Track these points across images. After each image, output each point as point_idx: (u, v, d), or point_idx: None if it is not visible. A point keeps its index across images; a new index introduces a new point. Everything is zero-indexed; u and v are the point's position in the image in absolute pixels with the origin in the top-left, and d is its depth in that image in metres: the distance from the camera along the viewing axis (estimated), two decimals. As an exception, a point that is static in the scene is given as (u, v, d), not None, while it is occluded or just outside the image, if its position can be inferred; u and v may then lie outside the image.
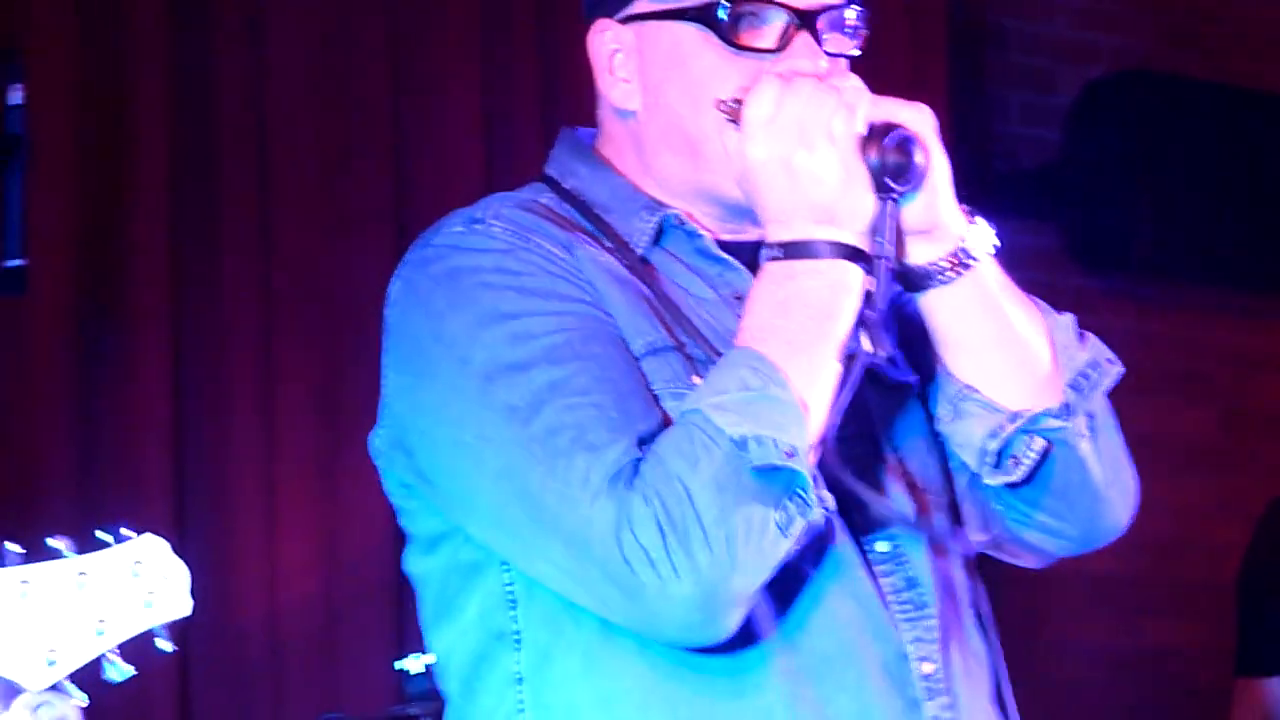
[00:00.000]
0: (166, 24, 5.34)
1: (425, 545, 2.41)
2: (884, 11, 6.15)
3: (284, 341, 5.40)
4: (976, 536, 2.49)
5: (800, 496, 2.11)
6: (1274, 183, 7.13)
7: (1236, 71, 7.21)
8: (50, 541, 1.91)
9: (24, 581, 1.87)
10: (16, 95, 3.68)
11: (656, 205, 2.41)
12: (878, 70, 6.22)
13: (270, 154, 5.43)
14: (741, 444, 2.08)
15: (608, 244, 2.39)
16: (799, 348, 2.19)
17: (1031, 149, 6.79)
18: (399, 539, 2.55)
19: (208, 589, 4.65)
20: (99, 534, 2.08)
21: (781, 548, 2.13)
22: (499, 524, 2.31)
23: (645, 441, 2.17)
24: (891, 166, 2.15)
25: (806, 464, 2.11)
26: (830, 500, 2.16)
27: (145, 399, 5.16)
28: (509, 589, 2.33)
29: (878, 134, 2.16)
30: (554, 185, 2.48)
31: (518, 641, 2.34)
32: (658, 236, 2.41)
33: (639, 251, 2.39)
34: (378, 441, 2.39)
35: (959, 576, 2.44)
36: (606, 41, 2.41)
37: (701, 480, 2.11)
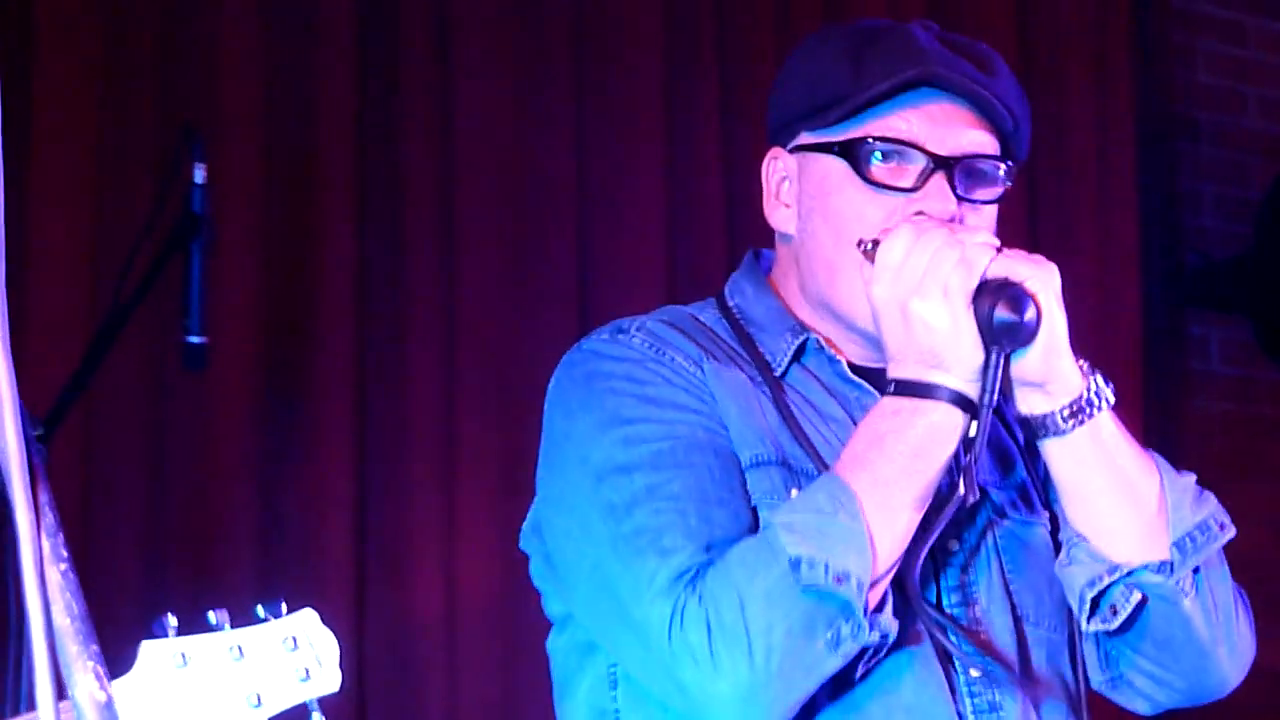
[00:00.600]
0: (353, 105, 5.38)
1: (556, 626, 2.60)
2: (1072, 106, 6.24)
3: (466, 421, 5.36)
4: (1095, 675, 2.59)
5: (854, 623, 2.23)
6: None
7: None
8: (210, 615, 1.97)
9: (183, 654, 1.90)
10: (200, 174, 3.76)
11: (801, 328, 2.55)
12: (1067, 166, 6.14)
13: (457, 235, 5.45)
14: (795, 564, 2.20)
15: (748, 361, 2.53)
16: (883, 481, 2.29)
17: (1224, 242, 6.69)
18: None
19: (390, 666, 5.10)
20: (259, 609, 2.13)
21: (829, 664, 2.26)
22: (592, 611, 2.48)
23: (715, 548, 2.30)
24: (1000, 322, 2.25)
25: (857, 590, 2.22)
26: (894, 627, 2.29)
27: (328, 475, 5.17)
28: (611, 670, 2.47)
29: (991, 290, 2.25)
30: (721, 302, 2.66)
31: (578, 664, 2.56)
32: (798, 356, 2.54)
33: (777, 372, 2.52)
34: (526, 527, 2.61)
35: (1055, 708, 2.55)
36: (777, 169, 2.58)
37: (755, 591, 2.24)
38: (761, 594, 2.26)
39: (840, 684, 2.41)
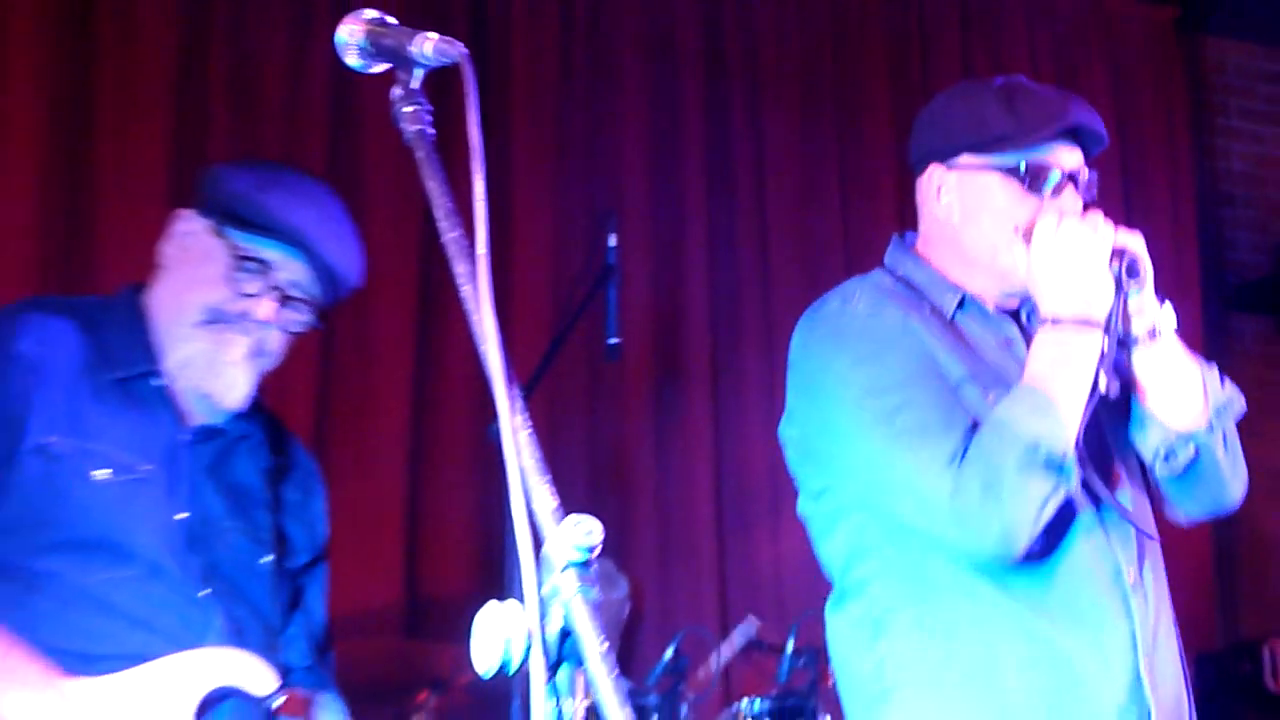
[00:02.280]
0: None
1: (811, 495, 2.95)
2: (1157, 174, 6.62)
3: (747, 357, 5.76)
4: (1165, 502, 2.98)
5: (1066, 476, 2.61)
6: None
7: None
8: None
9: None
10: (612, 240, 4.32)
11: (957, 288, 2.92)
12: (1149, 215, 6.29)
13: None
14: (1034, 444, 2.59)
15: (926, 311, 2.87)
16: (1062, 388, 2.65)
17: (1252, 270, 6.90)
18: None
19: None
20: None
21: (1053, 506, 2.62)
22: (872, 489, 2.80)
23: (963, 437, 2.66)
24: (1126, 275, 2.66)
25: (1071, 458, 2.60)
26: (1075, 476, 2.64)
27: (697, 445, 5.69)
28: (859, 522, 2.85)
29: (1116, 254, 2.66)
30: (890, 272, 3.01)
31: (858, 536, 2.86)
32: (960, 306, 2.90)
33: (948, 316, 2.89)
34: (786, 432, 2.96)
35: (1147, 523, 2.90)
36: (936, 179, 2.92)
37: (1008, 464, 2.60)
38: (1014, 465, 2.61)
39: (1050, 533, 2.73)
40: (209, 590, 2.46)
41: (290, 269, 2.53)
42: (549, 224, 5.57)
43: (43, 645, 2.30)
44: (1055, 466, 2.60)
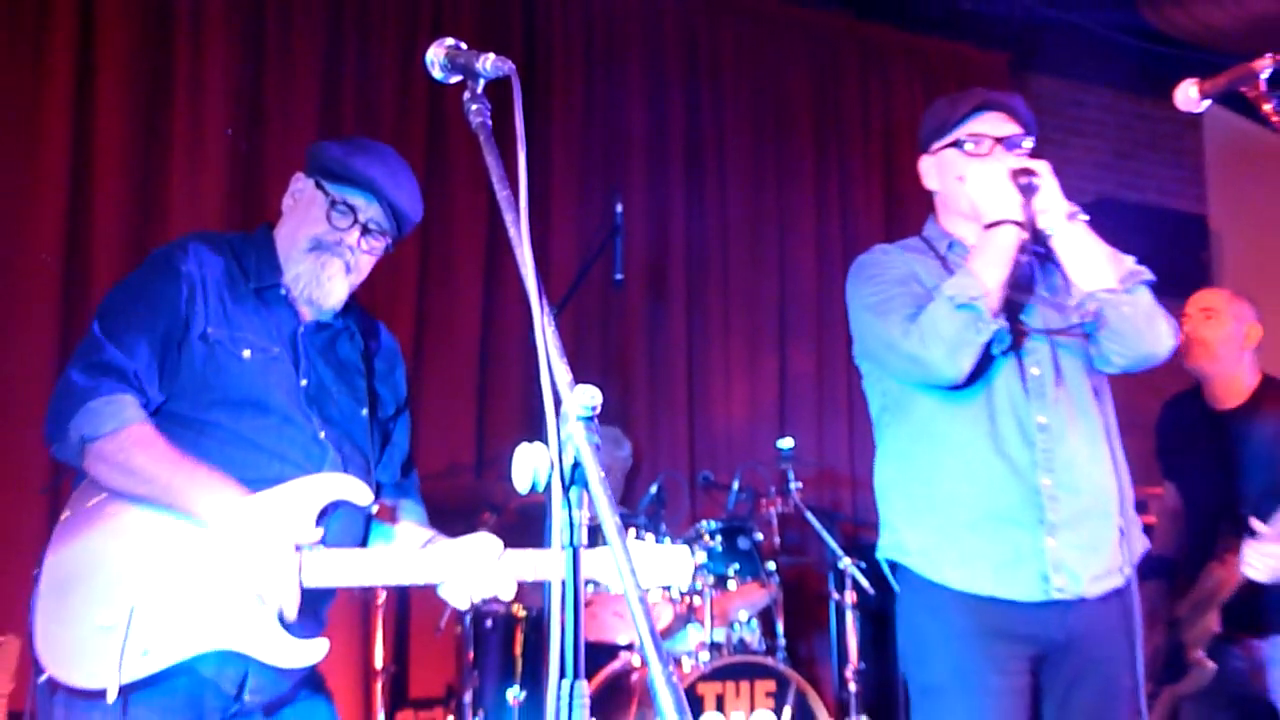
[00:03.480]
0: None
1: (864, 374, 2.98)
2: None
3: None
4: (1092, 349, 2.79)
5: (978, 313, 2.61)
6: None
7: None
8: None
9: None
10: (619, 207, 4.23)
11: (947, 235, 2.93)
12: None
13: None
14: (954, 295, 2.63)
15: (935, 255, 2.90)
16: (986, 261, 2.67)
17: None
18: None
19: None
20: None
21: (978, 342, 2.63)
22: (872, 349, 2.87)
23: (919, 309, 2.69)
24: (1024, 185, 2.68)
25: (980, 300, 2.61)
26: (1001, 322, 2.65)
27: (675, 348, 5.66)
28: (884, 392, 2.92)
29: (1020, 173, 2.69)
30: (920, 236, 2.99)
31: (885, 397, 2.92)
32: (948, 248, 2.89)
33: (944, 254, 2.89)
34: (855, 347, 2.95)
35: (1081, 379, 2.80)
36: (925, 166, 2.95)
37: (939, 312, 2.65)
38: (941, 313, 2.66)
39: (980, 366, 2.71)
40: (324, 433, 2.45)
41: (370, 210, 2.49)
42: (575, 195, 5.51)
43: None
44: (968, 308, 2.60)
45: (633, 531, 4.29)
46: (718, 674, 4.17)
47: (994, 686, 2.63)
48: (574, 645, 1.44)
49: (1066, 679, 2.69)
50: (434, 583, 2.38)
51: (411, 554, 2.41)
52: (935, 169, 2.92)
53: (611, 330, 5.49)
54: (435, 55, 1.88)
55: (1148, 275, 2.75)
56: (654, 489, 4.59)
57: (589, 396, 1.54)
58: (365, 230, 2.51)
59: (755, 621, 4.54)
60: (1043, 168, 2.69)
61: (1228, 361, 3.92)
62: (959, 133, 2.84)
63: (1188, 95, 2.54)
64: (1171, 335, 2.75)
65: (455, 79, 1.89)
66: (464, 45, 1.88)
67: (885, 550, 2.85)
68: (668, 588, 4.36)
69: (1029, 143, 2.84)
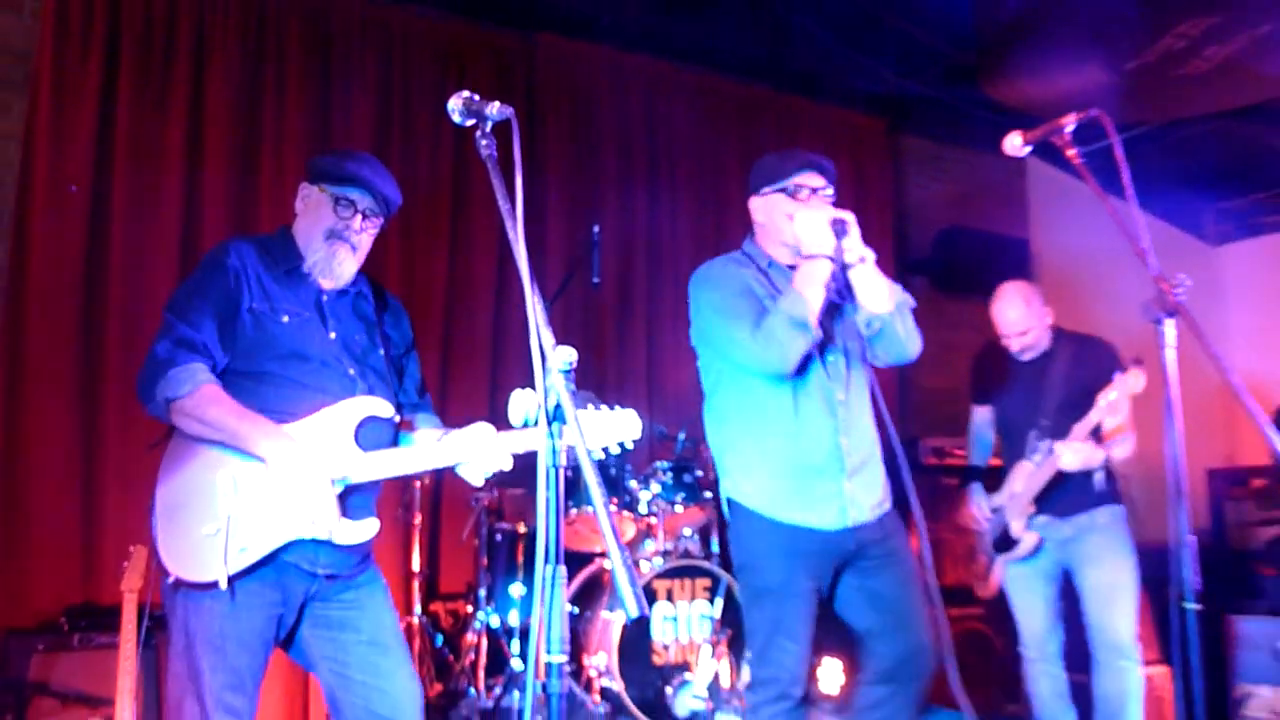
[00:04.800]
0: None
1: (702, 355, 2.93)
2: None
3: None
4: (869, 356, 2.87)
5: (805, 329, 2.62)
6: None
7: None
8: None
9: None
10: (596, 228, 4.25)
11: (767, 256, 2.88)
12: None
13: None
14: (787, 313, 2.63)
15: (757, 269, 2.86)
16: (808, 286, 2.65)
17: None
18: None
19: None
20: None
21: (804, 348, 2.64)
22: (720, 346, 2.79)
23: (759, 319, 2.66)
24: (838, 230, 2.67)
25: (810, 317, 2.62)
26: (818, 333, 2.67)
27: (639, 333, 5.57)
28: (721, 372, 2.86)
29: (835, 222, 2.68)
30: (743, 252, 2.93)
31: (720, 375, 2.87)
32: (769, 266, 2.85)
33: (765, 269, 2.85)
34: (693, 335, 2.91)
35: (861, 367, 2.86)
36: (754, 205, 2.89)
37: (775, 324, 2.64)
38: (777, 325, 2.63)
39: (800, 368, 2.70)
40: (353, 370, 2.45)
41: (364, 201, 2.46)
42: (564, 216, 5.40)
43: (270, 410, 2.29)
44: (798, 325, 2.61)
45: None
46: (668, 574, 4.19)
47: (804, 589, 2.71)
48: (555, 540, 1.45)
49: (865, 571, 2.76)
50: (451, 464, 2.37)
51: (430, 447, 2.40)
52: (764, 207, 2.86)
53: (590, 319, 5.39)
54: (455, 105, 1.88)
55: (912, 302, 2.81)
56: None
57: (567, 355, 1.55)
58: (364, 216, 2.47)
59: (696, 535, 4.53)
60: (850, 218, 2.68)
61: (1033, 329, 3.91)
62: (787, 183, 2.80)
63: (1013, 143, 2.59)
64: (919, 345, 2.81)
65: (470, 122, 1.88)
66: (477, 96, 1.87)
67: (725, 491, 2.85)
68: (629, 495, 4.37)
69: (830, 191, 2.81)
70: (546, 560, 1.45)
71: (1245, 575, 5.31)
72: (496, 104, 1.83)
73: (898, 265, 6.41)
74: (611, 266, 5.37)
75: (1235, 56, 4.83)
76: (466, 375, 5.00)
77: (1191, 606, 2.15)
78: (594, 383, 5.29)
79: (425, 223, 4.94)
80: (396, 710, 2.30)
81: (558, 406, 1.50)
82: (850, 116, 6.39)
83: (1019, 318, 3.87)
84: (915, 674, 2.71)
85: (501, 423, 2.16)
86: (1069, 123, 2.45)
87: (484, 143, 1.82)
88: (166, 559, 2.19)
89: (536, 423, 1.52)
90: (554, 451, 1.48)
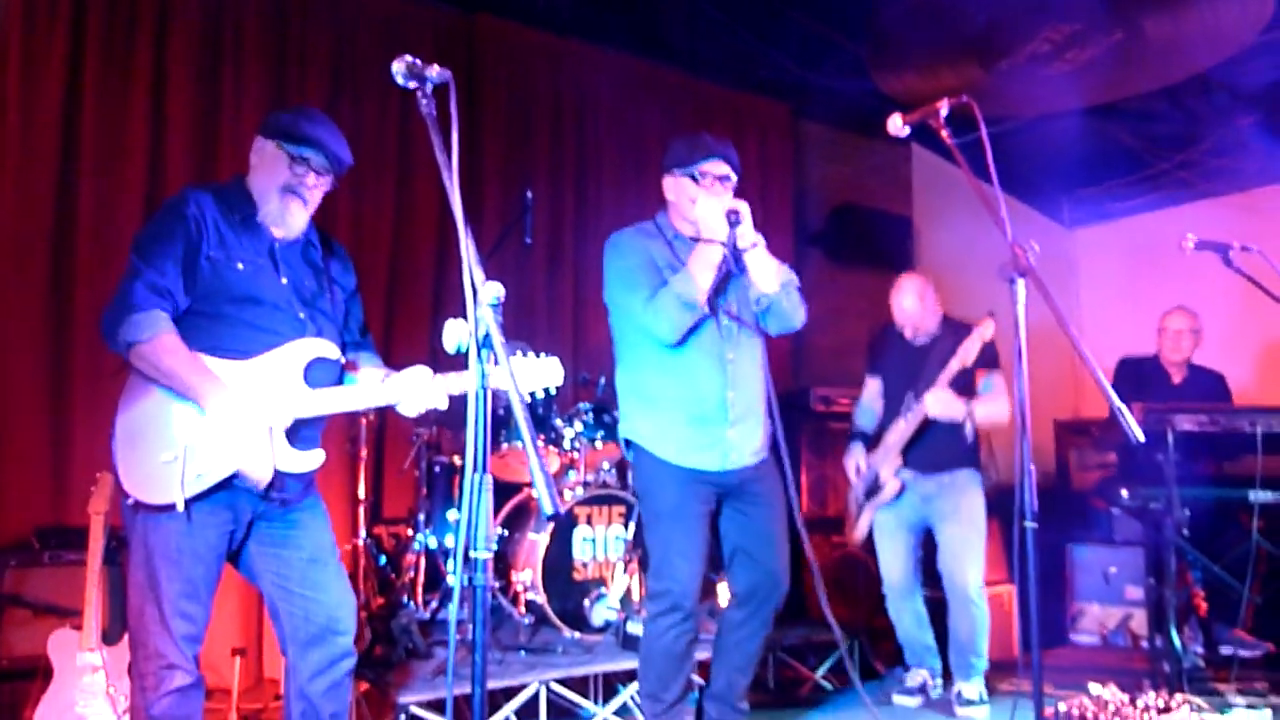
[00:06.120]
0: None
1: (612, 315, 2.89)
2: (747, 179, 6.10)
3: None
4: (760, 327, 2.86)
5: (693, 306, 2.66)
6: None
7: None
8: None
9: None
10: (529, 193, 4.12)
11: (675, 230, 2.87)
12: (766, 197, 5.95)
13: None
14: (678, 293, 2.65)
15: (664, 241, 2.86)
16: (699, 268, 2.68)
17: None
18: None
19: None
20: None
21: (688, 319, 2.67)
22: (624, 311, 2.78)
23: (652, 291, 2.67)
24: (731, 219, 2.67)
25: (698, 297, 2.65)
26: (704, 310, 2.68)
27: (567, 281, 5.48)
28: (625, 329, 2.84)
29: (731, 211, 2.68)
30: (653, 222, 2.93)
31: (625, 331, 2.85)
32: (675, 238, 2.84)
33: (671, 241, 2.84)
34: (605, 294, 2.85)
35: (752, 332, 2.84)
36: (668, 183, 2.87)
37: (667, 300, 2.66)
38: (668, 301, 2.64)
39: (690, 334, 2.72)
40: (304, 314, 2.41)
41: (317, 160, 2.40)
42: (500, 182, 5.25)
43: (225, 349, 2.26)
44: (686, 304, 2.63)
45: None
46: (588, 501, 4.19)
47: (696, 512, 2.74)
48: (483, 451, 1.46)
49: (740, 504, 2.79)
50: (392, 403, 2.34)
51: (372, 386, 2.37)
52: (673, 187, 2.84)
53: (524, 277, 5.27)
54: (398, 68, 1.84)
55: (797, 281, 2.81)
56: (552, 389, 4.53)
57: (495, 290, 1.53)
58: (317, 174, 2.41)
59: (613, 469, 4.54)
60: (744, 207, 2.67)
61: (924, 318, 3.99)
62: (693, 169, 2.79)
63: (895, 124, 2.62)
64: (804, 317, 2.81)
65: (413, 84, 1.84)
66: (419, 60, 1.84)
67: (624, 431, 2.86)
68: (557, 433, 4.37)
69: (733, 179, 2.79)
70: (475, 469, 1.45)
71: (1083, 510, 5.51)
72: (436, 67, 1.81)
73: (796, 238, 6.36)
74: (543, 229, 5.27)
75: (1093, 60, 4.94)
76: (409, 315, 4.90)
77: (1030, 525, 2.20)
78: (526, 333, 5.22)
79: (372, 180, 4.81)
80: (332, 619, 2.31)
81: (486, 335, 1.50)
82: (758, 102, 6.29)
83: (913, 308, 3.94)
84: (767, 598, 2.76)
85: (443, 360, 2.15)
86: (943, 107, 2.50)
87: (424, 102, 1.80)
88: (127, 483, 2.16)
89: (467, 350, 1.51)
90: (483, 375, 1.48)
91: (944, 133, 2.47)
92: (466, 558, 1.45)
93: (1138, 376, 4.36)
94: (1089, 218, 7.48)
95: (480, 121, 5.24)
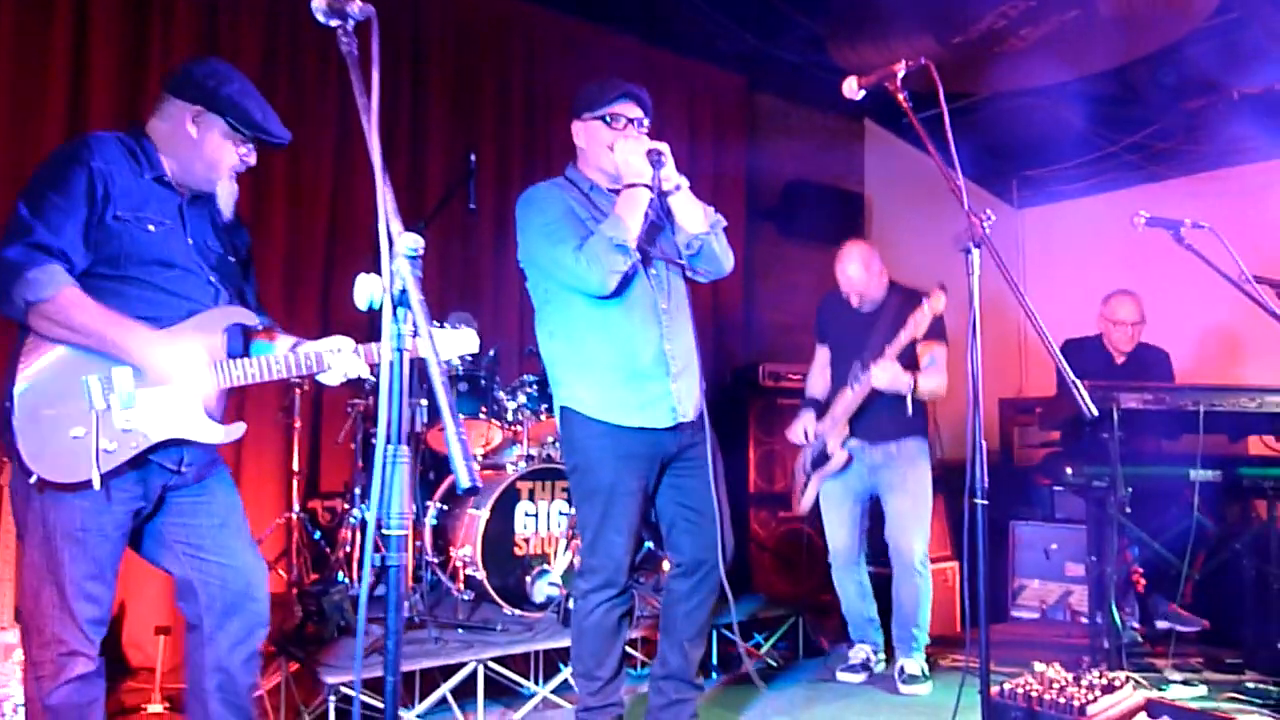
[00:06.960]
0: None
1: (529, 275, 2.79)
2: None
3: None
4: (689, 272, 2.80)
5: (626, 251, 2.57)
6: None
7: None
8: None
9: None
10: (473, 156, 4.02)
11: (589, 180, 2.77)
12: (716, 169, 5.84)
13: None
14: (610, 237, 2.56)
15: (580, 193, 2.75)
16: (628, 212, 2.60)
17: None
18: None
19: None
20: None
21: (621, 265, 2.57)
22: (548, 268, 2.66)
23: (581, 240, 2.58)
24: (654, 160, 2.60)
25: (629, 242, 2.56)
26: (637, 256, 2.61)
27: (510, 243, 5.86)
28: (549, 289, 2.73)
29: (653, 152, 2.61)
30: (565, 176, 2.81)
31: (548, 292, 2.73)
32: (591, 189, 2.75)
33: (587, 193, 2.74)
34: (520, 255, 2.76)
35: (681, 281, 2.81)
36: (576, 128, 2.77)
37: (598, 247, 2.56)
38: (599, 248, 2.56)
39: (624, 285, 2.65)
40: (213, 278, 2.30)
41: (257, 144, 2.32)
42: (444, 147, 5.06)
43: (136, 315, 2.12)
44: (618, 248, 2.54)
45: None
46: (531, 475, 4.10)
47: (631, 488, 2.66)
48: (397, 422, 1.34)
49: (678, 472, 2.73)
50: (312, 373, 2.26)
51: (287, 355, 2.27)
52: (585, 133, 2.75)
53: (470, 244, 5.13)
54: (317, 4, 1.68)
55: (724, 222, 2.77)
56: (492, 353, 4.45)
57: (413, 240, 1.40)
58: (251, 149, 2.33)
59: (557, 442, 4.45)
60: (665, 149, 2.61)
61: (870, 286, 3.96)
62: (604, 111, 2.71)
63: (850, 86, 2.53)
64: (733, 262, 2.77)
65: (334, 21, 1.68)
66: None
67: (560, 399, 2.76)
68: (492, 409, 4.27)
69: (646, 122, 2.73)
70: (388, 441, 1.33)
71: (1026, 488, 5.56)
72: (358, 3, 1.65)
73: (748, 212, 6.28)
74: (489, 196, 5.12)
75: (1045, 38, 4.91)
76: (349, 274, 4.72)
77: (981, 502, 2.18)
78: (472, 302, 5.09)
79: (312, 136, 4.64)
80: (250, 584, 2.25)
81: (403, 291, 1.38)
82: (713, 73, 6.27)
83: (858, 276, 3.90)
84: (712, 566, 2.71)
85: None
86: (900, 69, 2.42)
87: (345, 40, 1.64)
88: (30, 461, 2.00)
89: (380, 306, 1.38)
90: (399, 336, 1.36)
91: (900, 96, 2.39)
92: (380, 535, 1.32)
93: (1080, 357, 4.36)
94: (1037, 198, 7.52)
95: (425, 85, 5.12)
